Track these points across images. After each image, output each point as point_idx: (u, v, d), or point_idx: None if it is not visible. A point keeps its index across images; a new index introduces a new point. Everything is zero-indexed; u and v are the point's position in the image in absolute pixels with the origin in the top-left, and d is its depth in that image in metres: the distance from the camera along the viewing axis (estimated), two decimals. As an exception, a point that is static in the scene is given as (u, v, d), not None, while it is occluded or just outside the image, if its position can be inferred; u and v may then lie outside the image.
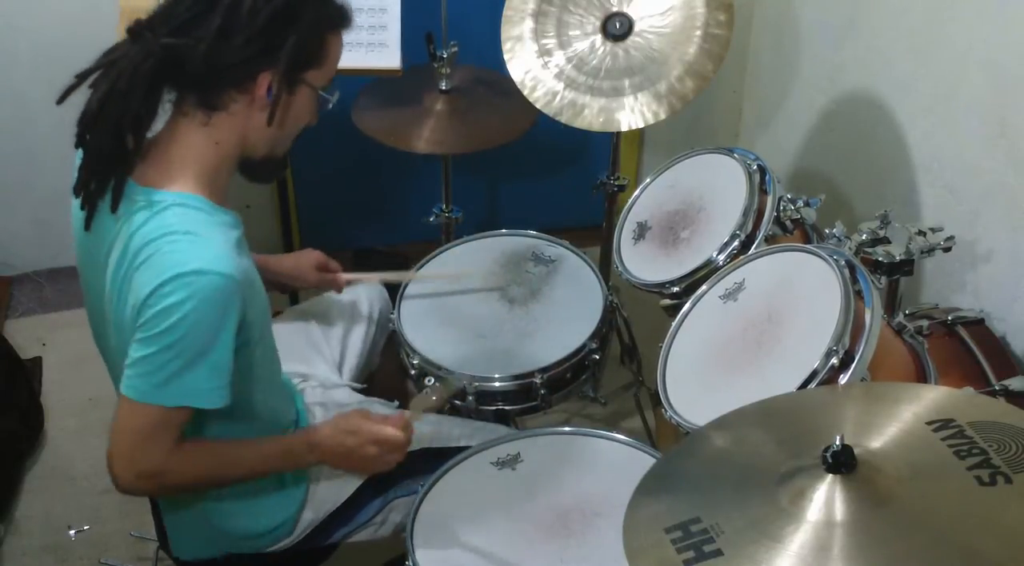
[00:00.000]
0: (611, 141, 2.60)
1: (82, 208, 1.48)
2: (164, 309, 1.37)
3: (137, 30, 1.41)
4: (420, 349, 1.99)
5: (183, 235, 1.40)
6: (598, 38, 2.23)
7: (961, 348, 1.80)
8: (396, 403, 1.94)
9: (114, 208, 1.45)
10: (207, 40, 1.38)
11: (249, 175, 1.58)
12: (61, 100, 1.41)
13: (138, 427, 1.43)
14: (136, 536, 2.27)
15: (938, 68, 2.13)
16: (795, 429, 1.27)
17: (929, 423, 1.17)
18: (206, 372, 1.41)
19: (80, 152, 1.48)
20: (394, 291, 2.14)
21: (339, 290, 2.06)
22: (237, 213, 1.52)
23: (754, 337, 1.64)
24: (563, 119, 2.20)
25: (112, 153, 1.43)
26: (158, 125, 1.47)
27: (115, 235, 1.45)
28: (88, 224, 1.49)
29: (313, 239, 3.01)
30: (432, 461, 1.77)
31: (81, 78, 1.42)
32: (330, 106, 1.55)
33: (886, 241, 1.77)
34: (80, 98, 1.43)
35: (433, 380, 1.87)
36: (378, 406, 1.91)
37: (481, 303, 2.11)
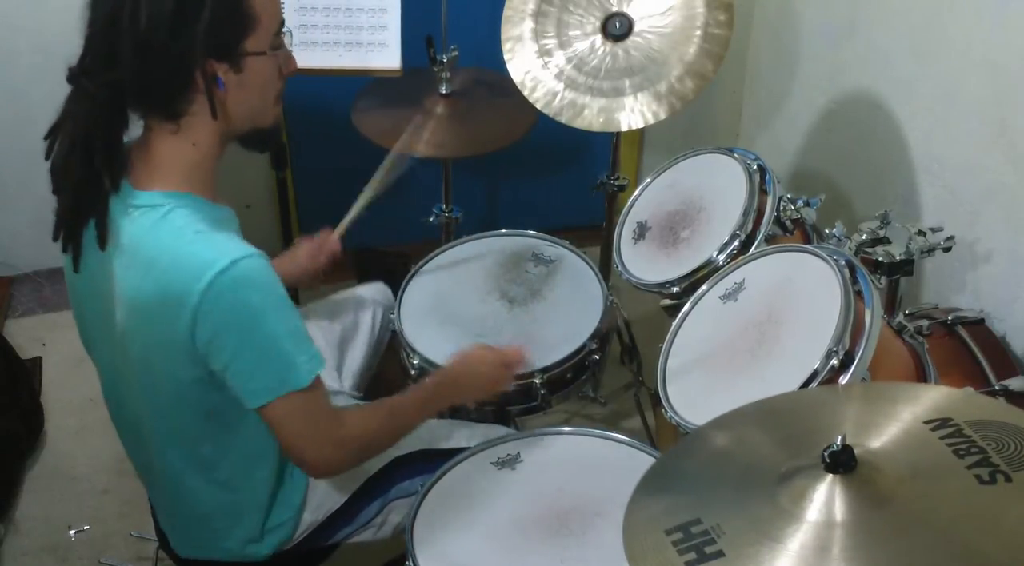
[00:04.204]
0: (611, 141, 2.60)
1: (64, 251, 1.50)
2: (230, 310, 1.39)
3: (71, 77, 1.41)
4: (420, 349, 1.99)
5: (194, 234, 1.41)
6: (598, 38, 2.23)
7: (961, 348, 1.80)
8: None
9: (102, 246, 1.45)
10: (131, 67, 1.37)
11: (243, 146, 1.56)
12: (53, 168, 1.45)
13: (303, 417, 1.48)
14: (136, 536, 2.26)
15: (938, 68, 2.13)
16: (795, 429, 1.26)
17: (927, 422, 1.17)
18: (305, 339, 1.46)
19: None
20: (393, 292, 2.14)
21: (338, 252, 2.03)
22: (231, 209, 1.53)
23: (754, 337, 1.64)
24: (563, 119, 2.20)
25: (90, 195, 1.44)
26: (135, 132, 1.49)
27: (116, 246, 1.46)
28: (76, 265, 1.50)
29: (313, 239, 3.01)
30: (432, 461, 1.77)
31: (50, 135, 1.44)
32: (291, 48, 1.51)
33: (886, 241, 1.77)
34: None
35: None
36: None
37: (481, 303, 2.11)
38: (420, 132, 2.15)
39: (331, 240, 2.02)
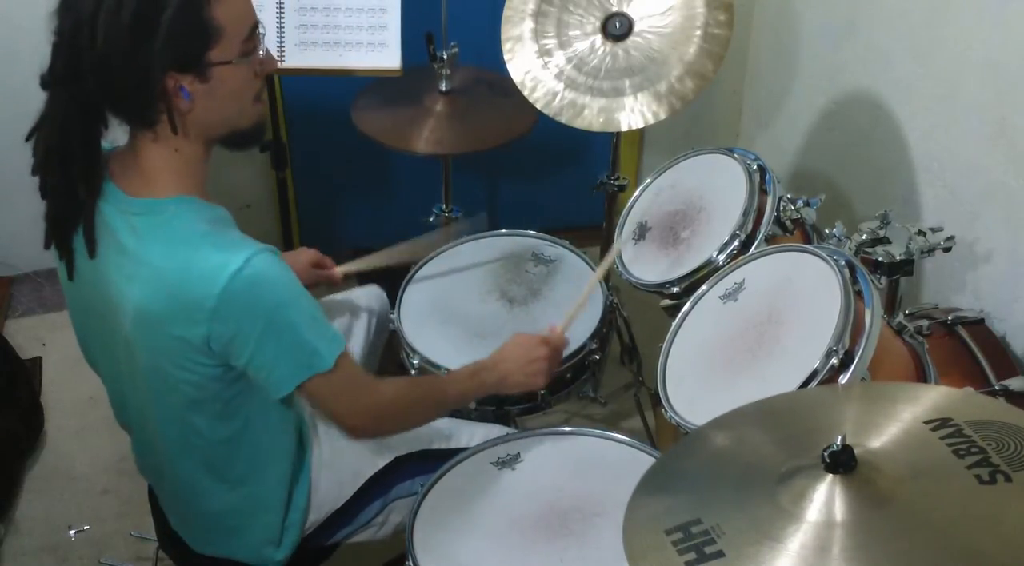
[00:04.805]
0: (611, 141, 2.60)
1: (60, 259, 1.50)
2: (249, 308, 1.40)
3: (44, 83, 1.42)
4: (420, 349, 1.99)
5: (201, 237, 1.41)
6: (598, 38, 2.23)
7: (961, 348, 1.80)
8: None
9: (91, 254, 1.45)
10: (93, 80, 1.36)
11: (226, 148, 1.54)
12: (34, 172, 1.47)
13: (335, 393, 1.52)
14: (136, 536, 2.27)
15: (938, 68, 2.13)
16: (795, 429, 1.26)
17: (927, 422, 1.17)
18: (323, 323, 1.49)
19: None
20: (393, 292, 2.14)
21: (336, 282, 2.07)
22: (225, 209, 1.53)
23: (754, 337, 1.64)
24: (563, 119, 2.20)
25: (69, 201, 1.44)
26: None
27: (116, 256, 1.45)
28: (71, 273, 1.50)
29: (313, 238, 3.01)
30: (433, 461, 1.77)
31: (30, 137, 1.45)
32: (261, 56, 1.49)
33: (886, 241, 1.77)
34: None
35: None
36: None
37: (481, 303, 2.11)
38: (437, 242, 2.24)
39: (333, 271, 2.05)
